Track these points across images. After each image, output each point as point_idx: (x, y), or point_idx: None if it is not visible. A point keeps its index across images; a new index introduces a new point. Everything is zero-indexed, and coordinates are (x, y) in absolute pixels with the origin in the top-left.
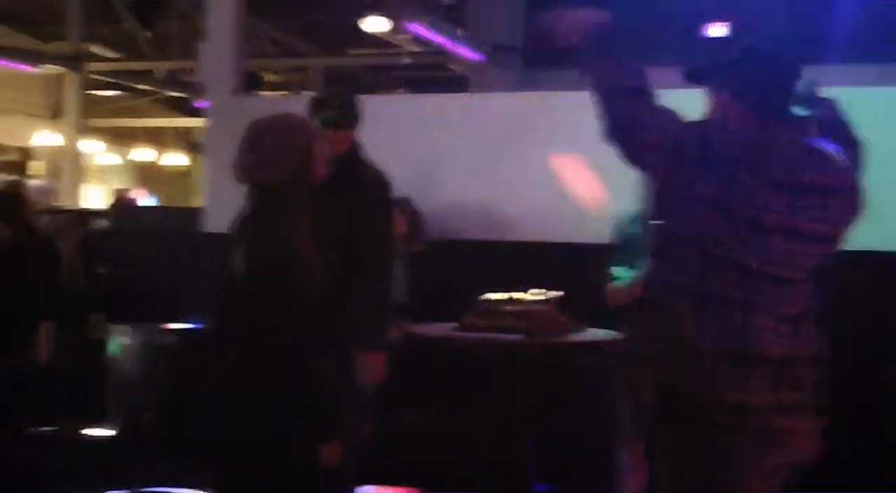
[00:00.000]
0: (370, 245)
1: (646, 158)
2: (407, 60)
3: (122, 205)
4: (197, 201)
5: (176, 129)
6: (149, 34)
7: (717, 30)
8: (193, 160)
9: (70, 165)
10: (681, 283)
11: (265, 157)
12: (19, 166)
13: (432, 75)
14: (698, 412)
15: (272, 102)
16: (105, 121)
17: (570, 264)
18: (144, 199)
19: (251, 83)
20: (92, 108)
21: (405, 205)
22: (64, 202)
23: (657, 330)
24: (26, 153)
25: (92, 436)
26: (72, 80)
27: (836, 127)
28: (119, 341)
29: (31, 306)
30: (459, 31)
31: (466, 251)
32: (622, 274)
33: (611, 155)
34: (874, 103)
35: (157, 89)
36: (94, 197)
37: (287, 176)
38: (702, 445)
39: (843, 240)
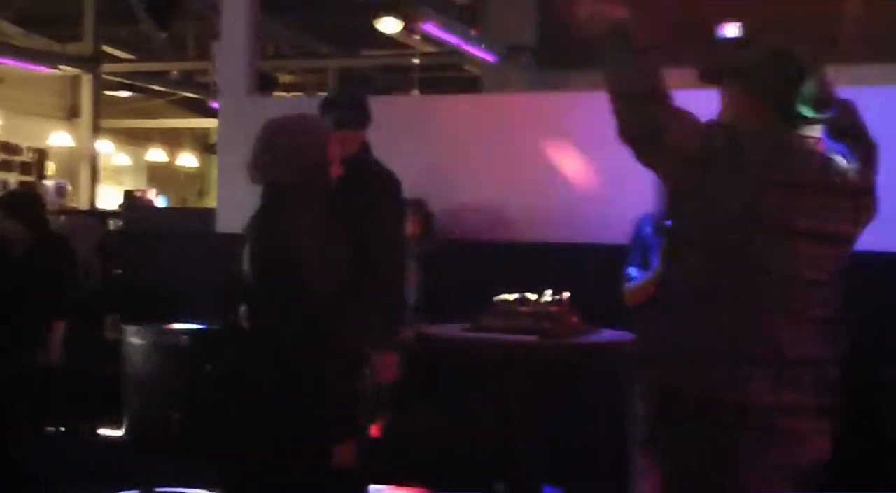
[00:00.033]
0: (381, 246)
1: (662, 160)
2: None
3: (137, 205)
4: (210, 202)
5: (191, 129)
6: (164, 35)
7: (731, 30)
8: (207, 161)
9: (85, 166)
10: (695, 284)
11: (279, 157)
12: (35, 167)
13: (447, 76)
14: (698, 412)
15: (286, 102)
16: (120, 122)
17: (584, 265)
18: (156, 199)
19: (266, 84)
20: (107, 109)
21: (418, 206)
22: (79, 203)
23: (662, 331)
24: (42, 154)
25: (106, 436)
26: (87, 82)
27: (852, 128)
28: (134, 341)
29: (46, 306)
30: (473, 32)
31: (478, 252)
32: (638, 275)
33: (626, 156)
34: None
35: (172, 90)
36: (109, 198)
37: (301, 176)
38: (702, 445)
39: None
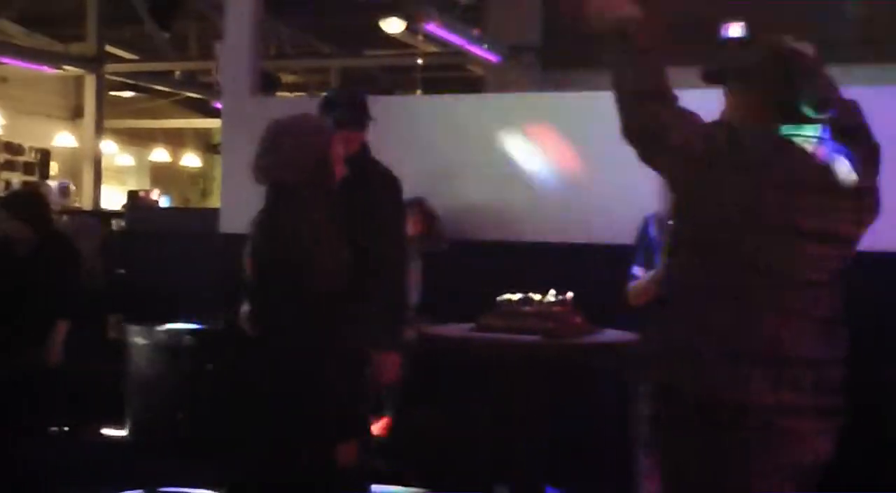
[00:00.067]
0: (382, 246)
1: (665, 160)
2: (424, 61)
3: (140, 205)
4: (213, 202)
5: (194, 130)
6: (166, 35)
7: (734, 29)
8: (210, 161)
9: (89, 166)
10: (693, 284)
11: (283, 157)
12: (39, 167)
13: (450, 76)
14: (698, 411)
15: (289, 102)
16: (124, 122)
17: (587, 265)
18: (160, 199)
19: (269, 84)
20: (110, 109)
21: (421, 206)
22: (83, 203)
23: (662, 330)
24: (45, 154)
25: (109, 436)
26: (91, 82)
27: (855, 128)
28: (137, 341)
29: (49, 306)
30: (476, 32)
31: (482, 252)
32: (642, 275)
33: (630, 155)
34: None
35: (176, 90)
36: (112, 198)
37: (305, 176)
38: (702, 445)
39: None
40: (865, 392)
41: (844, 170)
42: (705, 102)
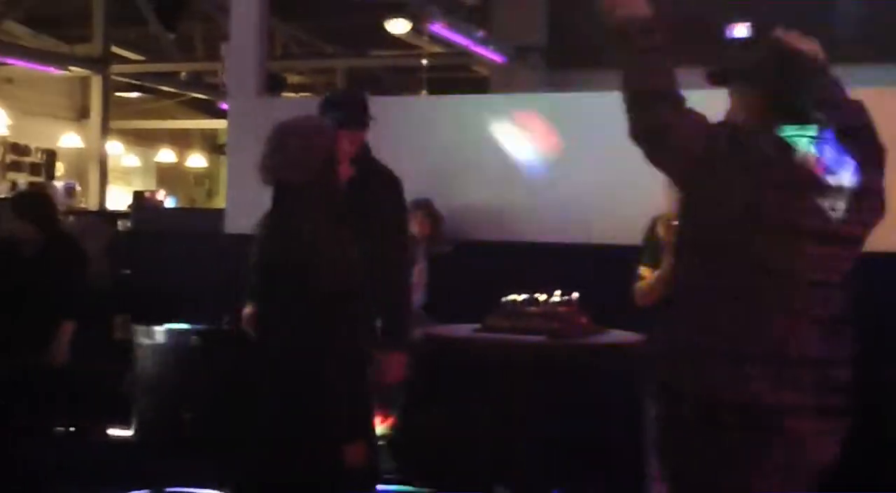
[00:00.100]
0: (383, 246)
1: (670, 160)
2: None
3: (146, 206)
4: (219, 203)
5: (200, 130)
6: (172, 36)
7: (740, 30)
8: (216, 162)
9: (94, 167)
10: (695, 284)
11: (290, 158)
12: (45, 168)
13: (455, 77)
14: (698, 411)
15: (295, 103)
16: (129, 123)
17: (593, 265)
18: (165, 200)
19: (274, 85)
20: (116, 110)
21: (427, 207)
22: (88, 204)
23: (667, 331)
24: (51, 155)
25: (115, 436)
26: (97, 83)
27: (860, 129)
28: (143, 342)
29: (55, 306)
30: (481, 33)
31: (487, 253)
32: (649, 275)
33: (636, 156)
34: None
35: (181, 91)
36: (118, 198)
37: (311, 177)
38: (702, 445)
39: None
40: (865, 392)
41: (847, 170)
42: (712, 103)
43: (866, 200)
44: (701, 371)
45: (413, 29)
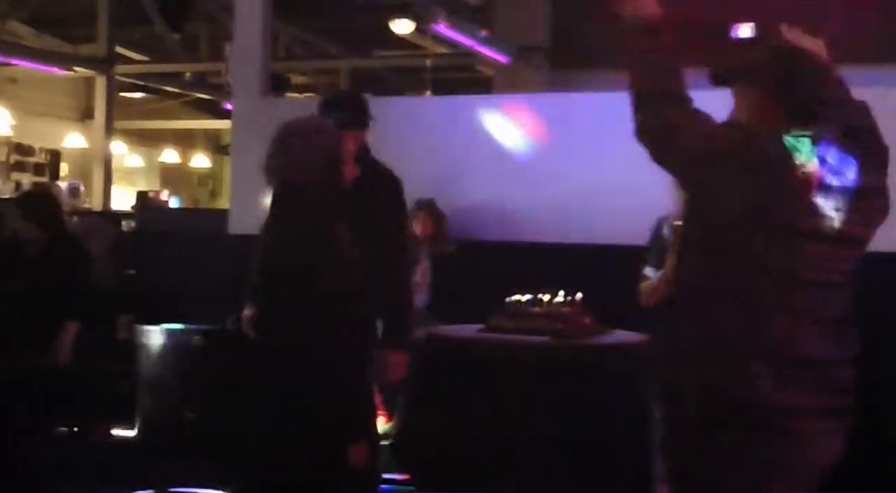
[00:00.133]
0: (384, 247)
1: (676, 160)
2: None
3: (150, 206)
4: (223, 203)
5: (204, 131)
6: (177, 37)
7: (744, 30)
8: (220, 162)
9: (98, 167)
10: (696, 283)
11: (294, 158)
12: (49, 168)
13: (459, 77)
14: (699, 411)
15: (299, 103)
16: (133, 123)
17: (597, 266)
18: (169, 200)
19: (278, 85)
20: (120, 110)
21: (431, 207)
22: (92, 204)
23: (671, 331)
24: (55, 155)
25: (119, 436)
26: (101, 83)
27: (863, 129)
28: (146, 342)
29: (59, 306)
30: (485, 33)
31: (490, 253)
32: (654, 275)
33: (640, 156)
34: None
35: (186, 92)
36: (122, 199)
37: (315, 177)
38: (702, 445)
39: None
40: (865, 392)
41: (850, 171)
42: (718, 103)
43: (869, 200)
44: (702, 371)
45: (417, 29)
